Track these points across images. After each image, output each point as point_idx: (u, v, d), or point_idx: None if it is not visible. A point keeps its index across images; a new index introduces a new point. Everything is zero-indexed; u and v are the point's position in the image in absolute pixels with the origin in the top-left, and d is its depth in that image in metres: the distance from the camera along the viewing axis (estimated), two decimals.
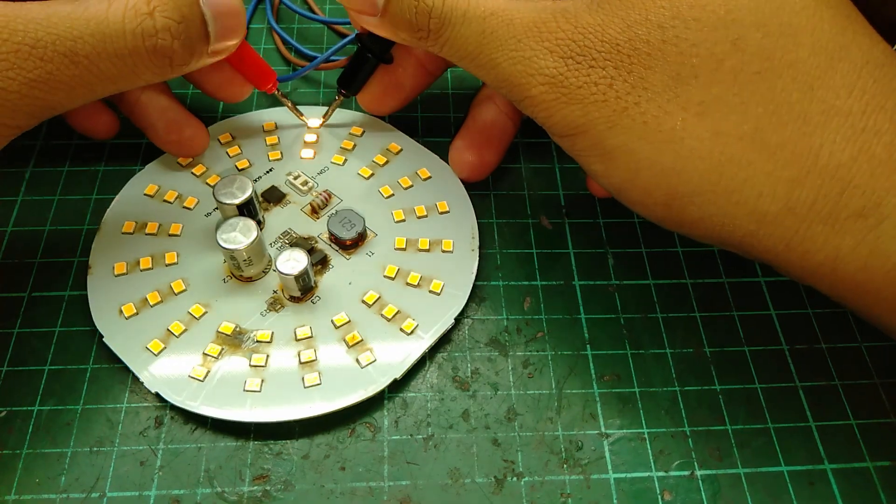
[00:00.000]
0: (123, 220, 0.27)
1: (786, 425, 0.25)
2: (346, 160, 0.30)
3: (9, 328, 0.26)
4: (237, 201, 0.26)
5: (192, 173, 0.29)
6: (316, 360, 0.25)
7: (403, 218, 0.28)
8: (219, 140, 0.30)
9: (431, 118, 0.32)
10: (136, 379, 0.24)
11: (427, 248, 0.28)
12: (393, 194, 0.29)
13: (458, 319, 0.26)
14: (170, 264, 0.26)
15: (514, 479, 0.23)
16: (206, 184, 0.29)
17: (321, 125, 0.31)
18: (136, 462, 0.23)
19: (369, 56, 0.28)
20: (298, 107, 0.31)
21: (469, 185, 0.29)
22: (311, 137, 0.31)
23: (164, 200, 0.28)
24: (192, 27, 0.22)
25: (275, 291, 0.26)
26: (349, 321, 0.26)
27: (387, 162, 0.30)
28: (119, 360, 0.25)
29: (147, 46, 0.22)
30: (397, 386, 0.25)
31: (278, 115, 0.31)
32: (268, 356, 0.25)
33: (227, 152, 0.30)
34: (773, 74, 0.20)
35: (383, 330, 0.25)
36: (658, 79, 0.21)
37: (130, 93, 0.28)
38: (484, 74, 0.23)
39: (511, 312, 0.27)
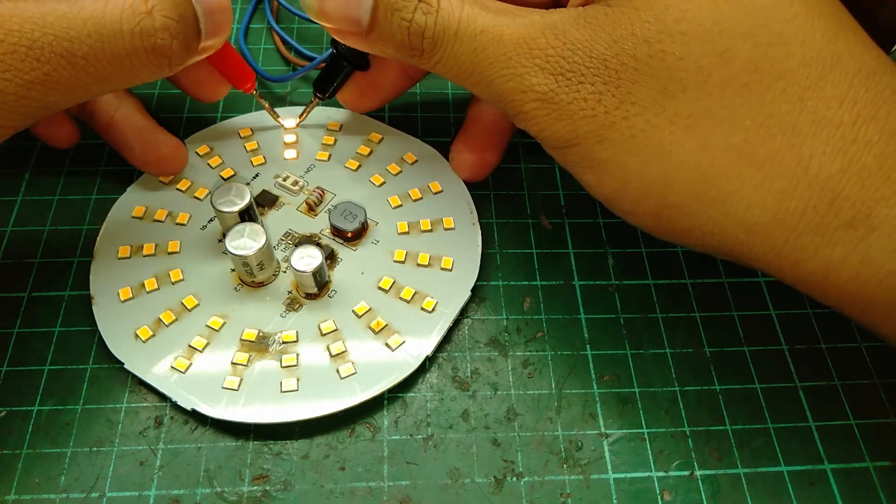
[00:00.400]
0: (117, 245, 0.27)
1: (785, 425, 0.25)
2: (330, 155, 0.30)
3: (9, 328, 0.26)
4: (238, 208, 0.25)
5: (178, 189, 0.29)
6: (346, 350, 0.25)
7: (400, 203, 0.29)
8: (197, 153, 0.30)
9: (431, 118, 0.32)
10: (136, 379, 0.24)
11: (430, 228, 0.28)
12: (384, 182, 0.29)
13: (459, 319, 0.26)
14: (176, 282, 0.26)
15: (514, 479, 0.23)
16: (195, 197, 0.29)
17: (297, 125, 0.31)
18: (136, 462, 0.23)
19: (344, 64, 0.28)
20: (281, 108, 0.31)
21: (469, 185, 0.29)
22: (290, 138, 0.31)
23: (155, 220, 0.28)
24: (188, 25, 0.22)
25: (290, 292, 0.26)
26: (370, 309, 0.26)
27: (371, 152, 0.30)
28: (119, 361, 0.25)
29: (146, 46, 0.21)
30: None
31: (252, 120, 0.31)
32: (298, 355, 0.25)
33: (208, 164, 0.30)
34: (762, 86, 0.20)
35: (406, 312, 0.26)
36: (646, 93, 0.21)
37: (103, 112, 0.28)
38: (478, 91, 0.24)
39: (511, 312, 0.27)
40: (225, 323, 0.25)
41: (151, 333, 0.25)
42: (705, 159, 0.21)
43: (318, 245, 0.27)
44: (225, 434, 0.24)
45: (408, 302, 0.26)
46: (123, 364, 0.24)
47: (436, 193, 0.29)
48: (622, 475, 0.23)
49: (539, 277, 0.28)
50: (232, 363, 0.24)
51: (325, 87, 0.29)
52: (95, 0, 0.21)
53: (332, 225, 0.27)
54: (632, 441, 0.24)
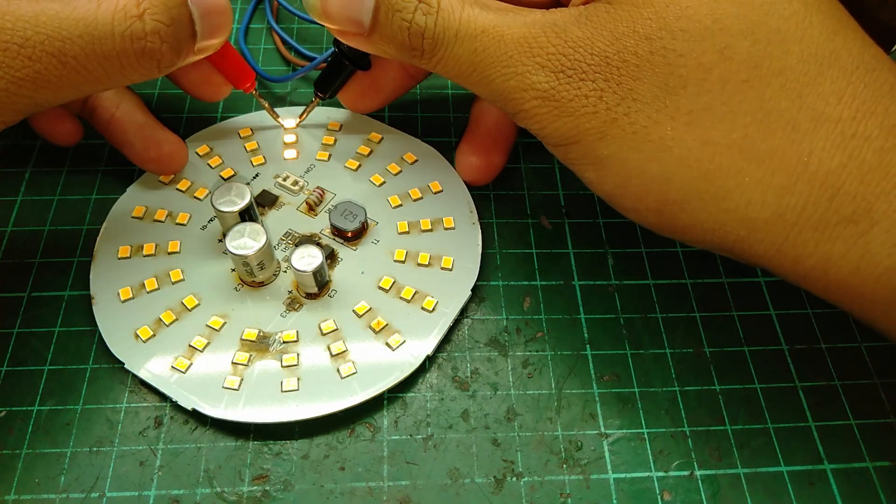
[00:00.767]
0: (117, 245, 0.27)
1: (785, 425, 0.25)
2: (330, 155, 0.30)
3: (9, 328, 0.26)
4: (238, 208, 0.25)
5: (178, 189, 0.29)
6: (346, 350, 0.25)
7: (400, 203, 0.29)
8: (197, 153, 0.30)
9: (431, 118, 0.32)
10: (136, 379, 0.24)
11: (430, 227, 0.28)
12: (384, 182, 0.29)
13: (459, 319, 0.26)
14: (177, 282, 0.26)
15: (514, 479, 0.23)
16: (195, 197, 0.29)
17: (297, 125, 0.31)
18: (136, 462, 0.23)
19: (346, 63, 0.28)
20: (281, 108, 0.31)
21: (470, 185, 0.29)
22: (290, 138, 0.31)
23: (156, 220, 0.28)
24: (180, 28, 0.22)
25: (290, 291, 0.26)
26: (370, 308, 0.26)
27: (371, 152, 0.30)
28: (119, 361, 0.25)
29: (136, 49, 0.21)
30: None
31: (252, 120, 0.31)
32: (298, 354, 0.25)
33: (208, 164, 0.30)
34: (762, 82, 0.20)
35: (406, 311, 0.26)
36: (647, 89, 0.21)
37: (104, 109, 0.28)
38: (478, 91, 0.24)
39: (511, 312, 0.27)
40: (225, 323, 0.25)
41: (152, 333, 0.25)
42: (706, 155, 0.21)
43: (319, 245, 0.27)
44: (225, 434, 0.24)
45: (408, 301, 0.26)
46: (124, 364, 0.24)
47: (436, 193, 0.29)
48: (622, 475, 0.23)
49: (539, 277, 0.28)
50: (232, 363, 0.24)
51: (327, 86, 0.29)
52: (88, 1, 0.21)
53: (332, 225, 0.27)
54: (632, 441, 0.24)
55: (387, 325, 0.25)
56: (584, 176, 0.24)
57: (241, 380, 0.24)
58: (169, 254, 0.27)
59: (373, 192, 0.29)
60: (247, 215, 0.26)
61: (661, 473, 0.23)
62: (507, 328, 0.26)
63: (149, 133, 0.28)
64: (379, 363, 0.25)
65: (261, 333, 0.25)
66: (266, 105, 0.30)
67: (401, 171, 0.30)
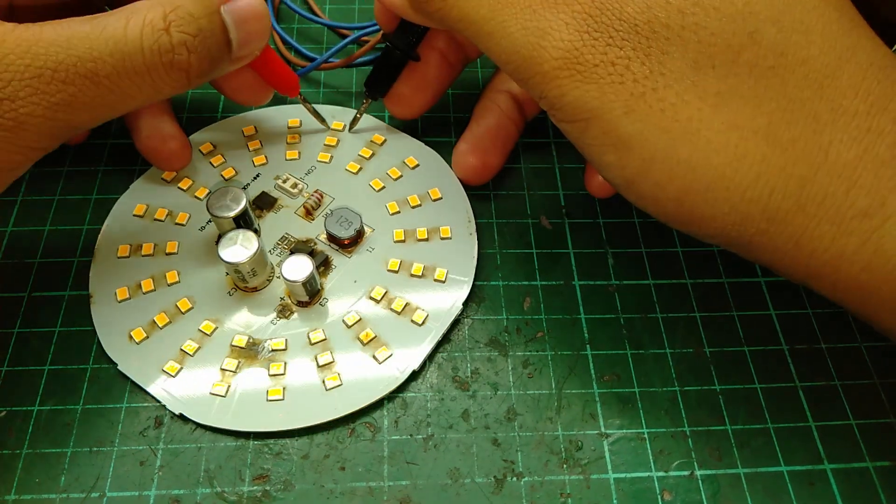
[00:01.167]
0: (117, 244, 0.27)
1: (785, 425, 0.25)
2: (331, 157, 0.30)
3: (9, 328, 0.26)
4: (233, 214, 0.25)
5: (179, 188, 0.29)
6: (334, 361, 0.25)
7: (398, 209, 0.28)
8: (200, 150, 0.30)
9: (431, 118, 0.32)
10: (135, 382, 0.24)
11: (426, 237, 0.28)
12: (384, 187, 0.29)
13: (459, 318, 0.26)
14: (172, 283, 0.26)
15: (514, 479, 0.23)
16: (196, 197, 0.29)
17: (350, 131, 0.31)
18: (136, 462, 0.23)
19: (397, 53, 0.28)
20: (277, 109, 0.31)
21: (469, 186, 0.29)
22: (293, 138, 0.31)
23: (156, 219, 0.28)
24: (210, 39, 0.22)
25: (282, 298, 0.26)
26: (360, 319, 0.26)
27: (373, 154, 0.30)
28: (113, 361, 0.25)
29: (164, 62, 0.22)
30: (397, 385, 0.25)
31: (257, 118, 0.31)
32: (285, 364, 0.25)
33: (210, 162, 0.30)
34: (787, 70, 0.20)
35: (395, 324, 0.26)
36: (676, 65, 0.20)
37: None
38: (493, 45, 0.22)
39: (511, 312, 0.27)
40: (217, 328, 0.25)
41: (145, 335, 0.25)
42: (732, 140, 0.20)
43: (311, 253, 0.27)
44: (225, 434, 0.24)
45: (398, 314, 0.26)
46: (117, 365, 0.24)
47: (435, 200, 0.29)
48: (622, 475, 0.23)
49: (539, 277, 0.28)
50: (221, 369, 0.24)
51: (379, 83, 0.29)
52: (117, 19, 0.21)
53: (327, 231, 0.27)
54: (632, 441, 0.24)
55: (375, 337, 0.25)
56: (602, 159, 0.22)
57: (229, 386, 0.24)
58: (167, 254, 0.27)
59: (372, 196, 0.29)
60: (241, 221, 0.26)
61: (661, 473, 0.23)
62: (508, 328, 0.26)
63: (157, 124, 0.28)
64: (365, 376, 0.24)
65: (250, 340, 0.25)
66: (311, 109, 0.30)
67: (401, 176, 0.30)
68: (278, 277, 0.27)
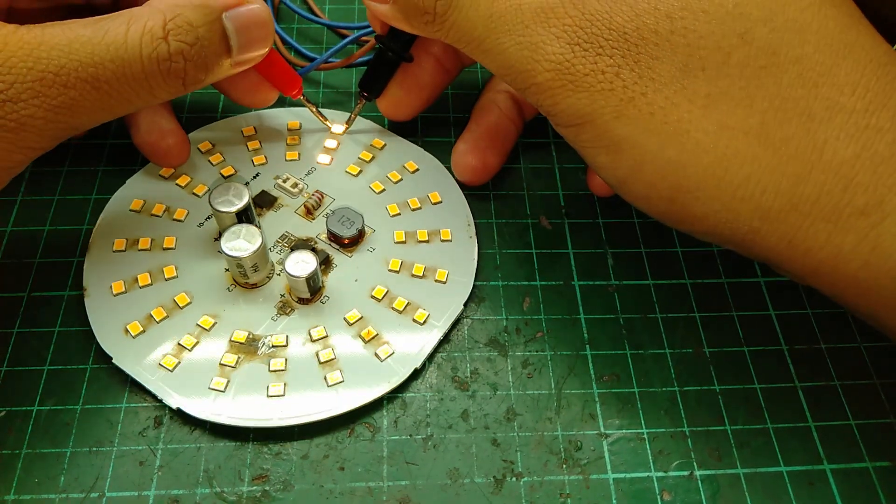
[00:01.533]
0: (112, 238, 0.27)
1: (785, 425, 0.25)
2: (332, 159, 0.30)
3: (8, 328, 0.26)
4: (235, 208, 0.25)
5: (177, 184, 0.29)
6: (335, 358, 0.25)
7: (398, 211, 0.29)
8: (199, 149, 0.30)
9: (431, 118, 0.32)
10: (135, 380, 0.24)
11: (426, 238, 0.28)
12: (384, 189, 0.29)
13: (458, 318, 0.26)
14: (170, 278, 0.26)
15: (514, 479, 0.23)
16: (194, 194, 0.29)
17: (344, 131, 0.31)
18: (136, 462, 0.23)
19: (390, 55, 0.28)
20: (277, 108, 0.31)
21: (469, 186, 0.29)
22: (293, 139, 0.31)
23: (153, 214, 0.28)
24: (208, 48, 0.22)
25: (282, 295, 0.26)
26: (361, 317, 0.26)
27: (373, 158, 0.30)
28: (108, 355, 0.25)
29: (161, 70, 0.22)
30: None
31: (256, 119, 0.31)
32: (286, 359, 0.25)
33: (209, 160, 0.30)
34: (779, 70, 0.20)
35: (397, 322, 0.26)
36: (665, 69, 0.21)
37: None
38: (490, 60, 0.23)
39: (510, 312, 0.27)
40: (216, 323, 0.25)
41: (142, 329, 0.25)
42: (723, 140, 0.21)
43: (314, 250, 0.27)
44: (224, 434, 0.24)
45: (400, 312, 0.26)
46: (112, 359, 0.24)
47: (435, 204, 0.29)
48: (622, 475, 0.23)
49: (539, 277, 0.28)
50: (220, 364, 0.24)
51: (373, 84, 0.29)
52: (118, 25, 0.21)
53: (329, 230, 0.27)
54: (631, 441, 0.24)
55: (377, 335, 0.25)
56: (596, 160, 0.23)
57: (228, 381, 0.24)
58: (164, 249, 0.27)
59: (372, 198, 0.29)
60: (244, 216, 0.26)
61: (660, 473, 0.23)
62: (507, 328, 0.26)
63: (156, 119, 0.28)
64: (367, 373, 0.25)
65: (250, 336, 0.25)
66: (313, 109, 0.30)
67: (401, 179, 0.30)
68: (278, 275, 0.27)
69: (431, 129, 0.32)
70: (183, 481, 0.23)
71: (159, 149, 0.29)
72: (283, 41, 0.35)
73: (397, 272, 0.27)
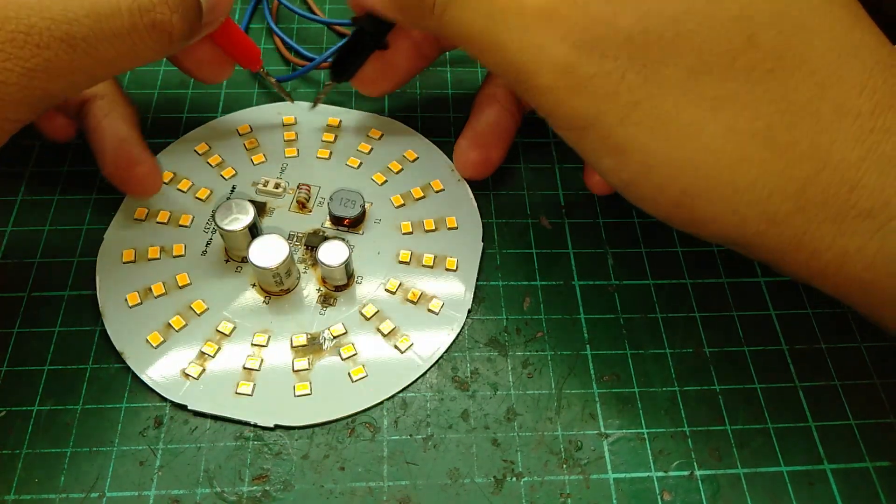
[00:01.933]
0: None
1: (785, 425, 0.25)
2: (297, 151, 0.30)
3: (9, 328, 0.26)
4: (246, 223, 0.25)
5: (179, 189, 0.29)
6: (396, 327, 0.26)
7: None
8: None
9: (431, 118, 0.32)
10: (136, 378, 0.24)
11: (422, 195, 0.29)
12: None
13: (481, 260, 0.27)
14: (202, 312, 0.26)
15: (514, 479, 0.23)
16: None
17: (312, 108, 0.31)
18: (136, 462, 0.23)
19: (367, 40, 0.28)
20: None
21: (469, 185, 0.29)
22: (250, 143, 0.30)
23: (175, 255, 0.27)
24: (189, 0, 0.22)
25: (318, 289, 0.26)
26: (400, 283, 0.27)
27: (335, 138, 0.31)
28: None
29: (145, 22, 0.21)
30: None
31: (205, 134, 0.31)
32: (353, 344, 0.25)
33: (177, 188, 0.29)
34: (786, 72, 0.20)
35: (434, 276, 0.27)
36: (671, 73, 0.20)
37: (93, 116, 0.27)
38: (488, 59, 0.23)
39: (511, 312, 0.27)
40: (269, 336, 0.25)
41: (202, 369, 0.25)
42: (730, 143, 0.20)
43: (325, 240, 0.27)
44: (225, 434, 0.24)
45: (431, 268, 0.27)
46: (188, 407, 0.24)
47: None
48: (622, 475, 0.23)
49: (539, 277, 0.28)
50: (295, 371, 0.25)
51: (344, 68, 0.29)
52: None
53: (332, 215, 0.27)
54: (631, 441, 0.24)
55: (422, 292, 0.26)
56: (601, 164, 0.23)
57: (310, 383, 0.24)
58: (181, 288, 0.26)
59: (351, 175, 0.30)
60: (255, 228, 0.26)
61: (661, 473, 0.23)
62: (507, 328, 0.26)
63: (126, 149, 0.27)
64: (426, 332, 0.26)
65: (309, 336, 0.25)
66: (273, 81, 0.30)
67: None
68: (304, 273, 0.27)
69: (432, 128, 0.32)
70: (183, 481, 0.23)
71: (130, 180, 0.27)
72: (283, 41, 0.35)
73: (411, 233, 0.28)
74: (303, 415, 0.24)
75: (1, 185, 0.29)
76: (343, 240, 0.26)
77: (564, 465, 0.23)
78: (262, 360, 0.25)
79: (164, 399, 0.24)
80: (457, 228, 0.28)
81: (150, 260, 0.27)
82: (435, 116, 0.32)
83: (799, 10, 0.20)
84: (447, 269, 0.27)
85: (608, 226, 0.29)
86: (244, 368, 0.25)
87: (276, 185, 0.29)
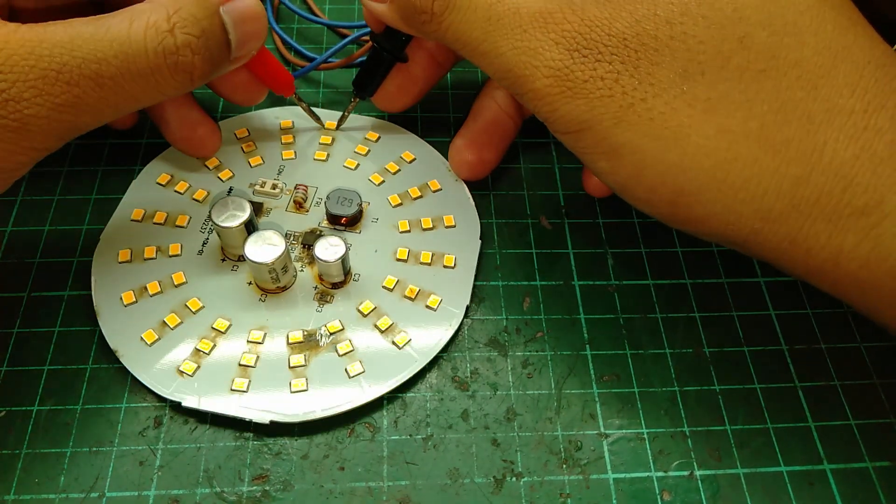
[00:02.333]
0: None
1: (785, 425, 0.25)
2: (295, 153, 0.30)
3: (8, 328, 0.26)
4: (242, 220, 0.25)
5: (176, 191, 0.29)
6: (394, 323, 0.26)
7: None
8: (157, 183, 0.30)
9: (431, 118, 0.32)
10: (135, 379, 0.24)
11: (419, 194, 0.29)
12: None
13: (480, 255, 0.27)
14: (197, 311, 0.26)
15: (514, 479, 0.23)
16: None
17: (337, 128, 0.31)
18: (136, 462, 0.23)
19: (385, 55, 0.28)
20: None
21: (469, 185, 0.29)
22: (249, 146, 0.30)
23: (171, 255, 0.27)
24: (212, 39, 0.22)
25: (315, 287, 0.26)
26: (398, 280, 0.27)
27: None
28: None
29: (168, 64, 0.22)
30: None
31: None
32: (350, 340, 0.25)
33: (175, 190, 0.29)
34: (778, 73, 0.20)
35: (432, 272, 0.27)
36: (665, 75, 0.21)
37: None
38: (487, 64, 0.23)
39: (510, 312, 0.27)
40: (265, 333, 0.25)
41: (197, 366, 0.24)
42: (723, 144, 0.21)
43: (320, 237, 0.27)
44: (225, 434, 0.24)
45: (429, 264, 0.27)
46: (181, 403, 0.24)
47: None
48: (622, 475, 0.23)
49: (539, 277, 0.28)
50: (290, 368, 0.25)
51: (367, 84, 0.29)
52: (120, 21, 0.21)
53: (330, 214, 0.27)
54: (631, 441, 0.24)
55: (419, 289, 0.26)
56: (596, 166, 0.23)
57: (306, 379, 0.24)
58: (176, 286, 0.26)
59: (348, 176, 0.30)
60: (251, 225, 0.26)
61: (660, 473, 0.23)
62: (507, 328, 0.26)
63: (185, 113, 0.28)
64: (428, 321, 0.26)
65: (306, 332, 0.25)
66: (306, 107, 0.30)
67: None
68: (301, 271, 0.27)
69: (431, 129, 0.32)
70: (183, 481, 0.23)
71: (193, 141, 0.29)
72: (283, 41, 0.35)
73: (409, 231, 0.28)
74: (299, 410, 0.24)
75: None
76: (340, 237, 0.26)
77: (564, 465, 0.23)
78: (258, 357, 0.25)
79: (162, 398, 0.24)
80: (454, 227, 0.28)
81: (146, 259, 0.27)
82: (435, 116, 0.32)
83: (791, 11, 0.21)
84: (445, 267, 0.27)
85: (608, 226, 0.29)
86: (240, 365, 0.24)
87: (273, 186, 0.29)
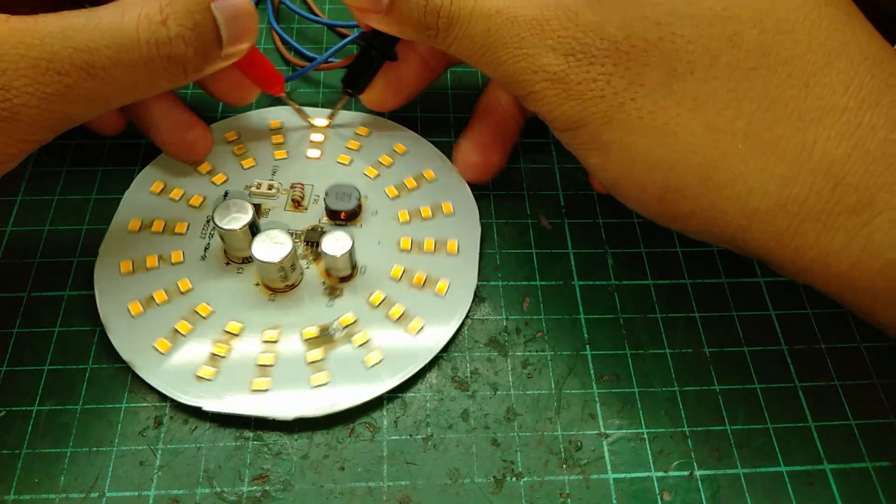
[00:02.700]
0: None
1: (785, 425, 0.25)
2: (287, 153, 0.30)
3: (9, 328, 0.26)
4: (245, 223, 0.25)
5: (171, 199, 0.28)
6: (405, 310, 0.26)
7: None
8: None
9: (431, 118, 0.32)
10: (136, 378, 0.24)
11: (416, 185, 0.29)
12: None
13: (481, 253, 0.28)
14: (208, 316, 0.25)
15: (514, 479, 0.23)
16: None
17: (327, 125, 0.31)
18: (136, 462, 0.23)
19: (374, 54, 0.28)
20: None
21: (469, 185, 0.29)
22: (239, 146, 0.30)
23: (176, 233, 0.27)
24: (205, 33, 0.22)
25: (323, 282, 0.26)
26: (404, 269, 0.27)
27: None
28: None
29: (161, 55, 0.22)
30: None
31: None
32: (365, 332, 0.25)
33: (170, 198, 0.29)
34: (768, 71, 0.20)
35: (437, 261, 0.27)
36: (654, 74, 0.21)
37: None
38: (490, 71, 0.24)
39: (510, 312, 0.27)
40: (280, 332, 0.25)
41: (216, 370, 0.24)
42: (710, 141, 0.21)
43: (324, 232, 0.27)
44: (225, 434, 0.24)
45: (433, 253, 0.27)
46: (202, 408, 0.24)
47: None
48: (622, 475, 0.23)
49: (539, 277, 0.28)
50: (309, 363, 0.25)
51: (356, 81, 0.29)
52: (112, 12, 0.21)
53: (329, 209, 0.28)
54: (631, 441, 0.24)
55: (427, 277, 0.27)
56: (588, 162, 0.24)
57: (326, 372, 0.24)
58: (183, 293, 0.26)
59: (343, 171, 0.30)
60: (255, 227, 0.26)
61: (660, 473, 0.23)
62: (507, 328, 0.26)
63: (175, 115, 0.28)
64: (438, 310, 0.26)
65: (320, 327, 0.25)
66: (296, 106, 0.30)
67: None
68: (307, 268, 0.27)
69: (432, 129, 0.32)
70: (183, 481, 0.23)
71: (185, 143, 0.29)
72: (283, 41, 0.35)
73: (409, 222, 0.28)
74: (322, 404, 0.24)
75: (1, 185, 0.29)
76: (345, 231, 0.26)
77: (564, 465, 0.23)
78: (275, 356, 0.25)
79: (165, 399, 0.24)
80: (454, 213, 0.28)
81: (149, 269, 0.26)
82: (435, 116, 0.32)
83: (784, 8, 0.21)
84: (449, 253, 0.27)
85: (608, 226, 0.29)
86: (258, 365, 0.25)
87: (270, 187, 0.29)
